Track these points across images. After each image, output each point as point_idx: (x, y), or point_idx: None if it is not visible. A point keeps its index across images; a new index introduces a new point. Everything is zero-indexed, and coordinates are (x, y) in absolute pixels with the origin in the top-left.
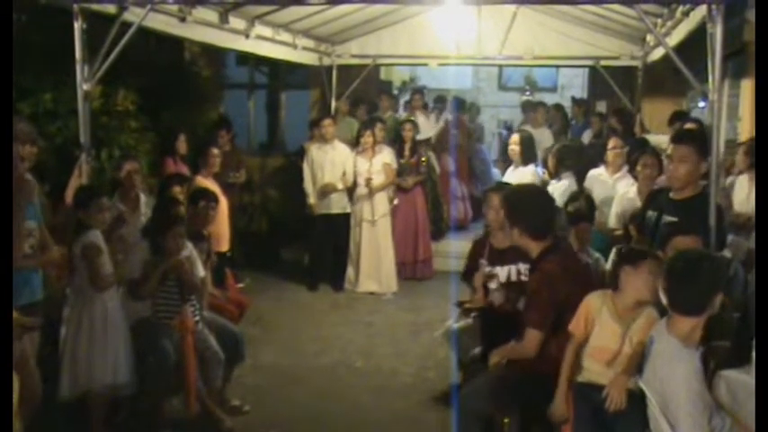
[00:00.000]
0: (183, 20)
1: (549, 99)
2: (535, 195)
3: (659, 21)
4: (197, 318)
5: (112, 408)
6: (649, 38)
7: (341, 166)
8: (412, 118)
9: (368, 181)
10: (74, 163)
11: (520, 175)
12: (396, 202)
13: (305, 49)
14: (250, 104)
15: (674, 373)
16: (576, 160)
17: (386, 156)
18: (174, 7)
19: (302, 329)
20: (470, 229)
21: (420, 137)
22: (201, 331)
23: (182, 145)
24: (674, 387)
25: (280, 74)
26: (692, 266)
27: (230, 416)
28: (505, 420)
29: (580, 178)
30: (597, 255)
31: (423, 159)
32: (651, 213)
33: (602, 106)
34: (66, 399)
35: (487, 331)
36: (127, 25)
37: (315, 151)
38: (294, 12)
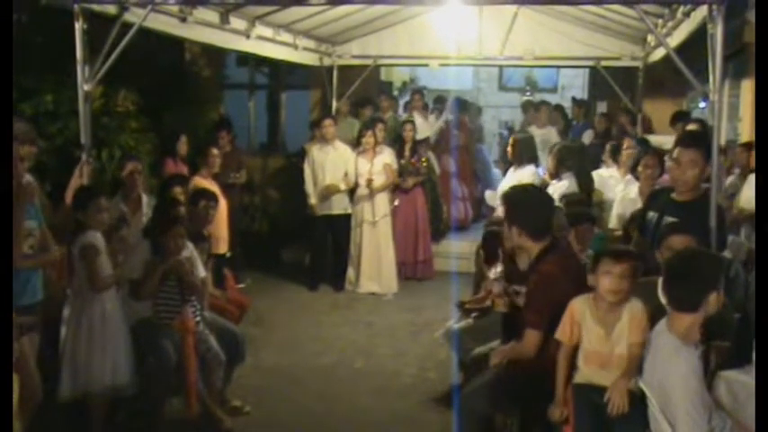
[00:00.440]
0: (183, 20)
1: (550, 99)
2: (534, 195)
3: (660, 21)
4: (198, 318)
5: (113, 408)
6: (650, 38)
7: (342, 166)
8: (412, 118)
9: (369, 182)
10: (74, 163)
11: (519, 176)
12: (396, 203)
13: (305, 49)
14: (250, 105)
15: (673, 370)
16: (577, 161)
17: (386, 156)
18: (175, 8)
19: (303, 330)
20: (471, 229)
21: (418, 137)
22: (202, 332)
23: (182, 146)
24: (673, 385)
25: (280, 74)
26: (684, 264)
27: (231, 416)
28: (506, 421)
29: (580, 179)
30: None
31: (423, 160)
32: (652, 214)
33: (602, 107)
34: (65, 399)
35: (508, 332)
36: (127, 26)
37: (316, 152)
38: (295, 12)
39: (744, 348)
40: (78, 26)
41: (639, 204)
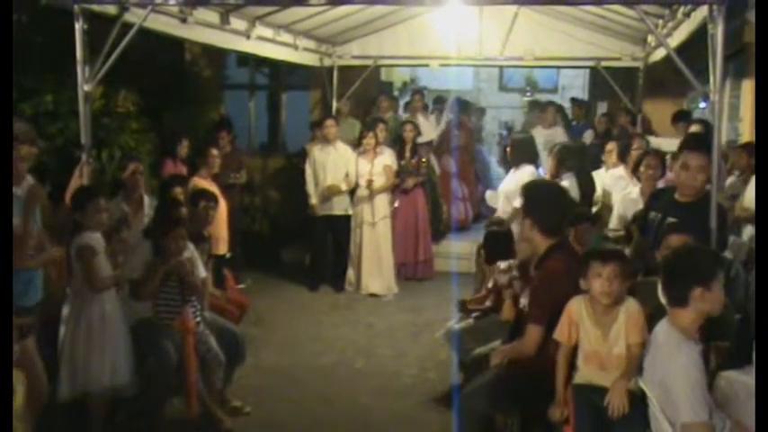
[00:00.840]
0: (183, 21)
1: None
2: (553, 192)
3: (660, 22)
4: (198, 318)
5: (113, 408)
6: (650, 39)
7: (343, 167)
8: (413, 119)
9: (369, 182)
10: (74, 164)
11: (518, 177)
12: (396, 204)
13: (306, 49)
14: (251, 105)
15: (674, 362)
16: (577, 161)
17: (387, 158)
18: (175, 8)
19: (303, 330)
20: (471, 229)
21: (422, 139)
22: (202, 332)
23: (183, 149)
24: (675, 378)
25: (280, 75)
26: (677, 259)
27: (231, 417)
28: (507, 421)
29: (581, 179)
30: None
31: (423, 160)
32: (654, 215)
33: (602, 107)
34: (64, 399)
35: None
36: (128, 26)
37: (317, 152)
38: (295, 13)
39: (744, 348)
40: (78, 26)
41: (641, 205)
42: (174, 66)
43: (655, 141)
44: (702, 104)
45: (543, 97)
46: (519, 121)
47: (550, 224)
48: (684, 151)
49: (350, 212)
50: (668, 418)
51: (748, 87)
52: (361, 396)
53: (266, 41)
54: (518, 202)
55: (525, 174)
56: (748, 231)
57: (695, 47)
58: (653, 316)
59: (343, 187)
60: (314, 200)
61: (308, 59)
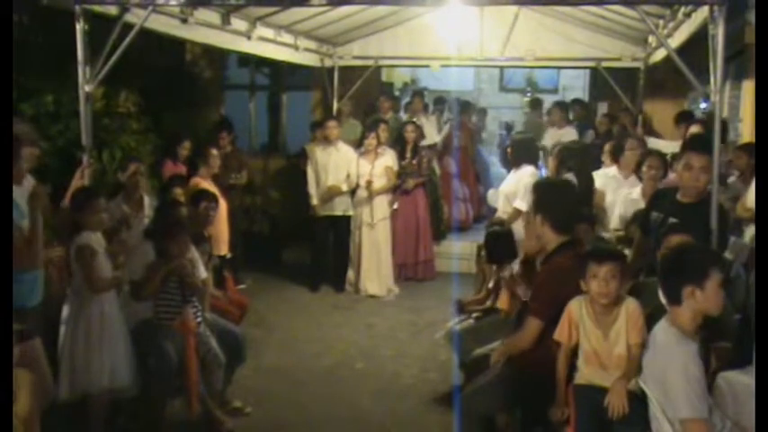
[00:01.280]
0: (184, 21)
1: (550, 100)
2: (565, 189)
3: (661, 22)
4: (199, 319)
5: (113, 410)
6: (651, 39)
7: (345, 167)
8: (414, 119)
9: (368, 184)
10: (75, 164)
11: (518, 177)
12: (396, 206)
13: (306, 50)
14: (251, 106)
15: (672, 359)
16: (578, 161)
17: (388, 159)
18: (176, 9)
19: (303, 331)
20: (472, 230)
21: (425, 142)
22: (203, 333)
23: (184, 150)
24: (674, 374)
25: (281, 75)
26: (666, 258)
27: (232, 417)
28: (507, 422)
29: (581, 179)
30: None
31: (425, 160)
32: (656, 215)
33: (603, 108)
34: (63, 400)
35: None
36: (128, 27)
37: (319, 153)
38: (296, 13)
39: (744, 349)
40: (79, 27)
41: (642, 205)
42: (175, 66)
43: (652, 142)
44: (703, 105)
45: (543, 98)
46: (519, 122)
47: (561, 221)
48: (687, 152)
49: (350, 213)
50: (668, 417)
51: (749, 88)
52: (362, 397)
53: (267, 42)
54: (518, 203)
55: (526, 174)
56: (750, 232)
57: (696, 47)
58: (654, 316)
59: (344, 188)
60: (315, 200)
61: (309, 60)
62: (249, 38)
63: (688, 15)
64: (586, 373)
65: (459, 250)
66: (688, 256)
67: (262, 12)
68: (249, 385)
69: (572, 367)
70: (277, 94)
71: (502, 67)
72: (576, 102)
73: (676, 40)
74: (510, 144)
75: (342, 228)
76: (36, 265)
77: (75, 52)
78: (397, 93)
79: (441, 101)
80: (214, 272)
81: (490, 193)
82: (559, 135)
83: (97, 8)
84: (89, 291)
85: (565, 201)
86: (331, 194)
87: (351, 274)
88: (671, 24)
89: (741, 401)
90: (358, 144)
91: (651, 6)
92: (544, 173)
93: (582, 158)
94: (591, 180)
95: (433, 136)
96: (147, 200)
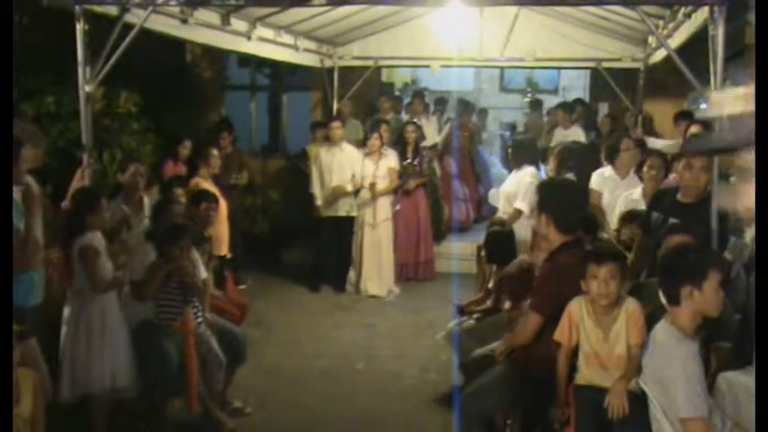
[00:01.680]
0: (184, 22)
1: (550, 101)
2: (570, 189)
3: (661, 23)
4: (199, 319)
5: (114, 410)
6: (651, 40)
7: (349, 168)
8: (415, 120)
9: (371, 185)
10: (76, 165)
11: (519, 178)
12: (398, 207)
13: (306, 50)
14: (251, 106)
15: (672, 358)
16: (578, 161)
17: (391, 160)
18: (176, 9)
19: (304, 331)
20: (472, 230)
21: (426, 143)
22: (203, 333)
23: (185, 150)
24: (674, 372)
25: (281, 76)
26: (665, 258)
27: (232, 418)
28: (507, 422)
29: (581, 179)
30: None
31: (427, 161)
32: (657, 215)
33: (604, 108)
34: (65, 400)
35: None
36: (128, 27)
37: (323, 153)
38: (296, 13)
39: (744, 349)
40: (79, 27)
41: (642, 205)
42: (175, 67)
43: (652, 142)
44: (703, 105)
45: (544, 98)
46: (520, 122)
47: (565, 221)
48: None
49: (353, 214)
50: (669, 418)
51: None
52: (362, 397)
53: (267, 42)
54: (519, 204)
55: (526, 175)
56: (750, 232)
57: (696, 48)
58: (654, 316)
59: (349, 188)
60: (320, 201)
61: (309, 60)
62: (249, 38)
63: (688, 16)
64: (587, 374)
65: (460, 251)
66: (687, 257)
67: (262, 12)
68: (249, 385)
69: (572, 368)
70: (277, 94)
71: (502, 68)
72: (579, 102)
73: (676, 40)
74: (511, 145)
75: (344, 229)
76: (32, 265)
77: (76, 53)
78: (397, 93)
79: (442, 101)
80: (214, 272)
81: (491, 192)
82: (565, 136)
83: (97, 8)
84: (92, 291)
85: (569, 200)
86: (336, 195)
87: (352, 274)
88: (671, 25)
89: (741, 402)
90: (359, 144)
91: (651, 7)
92: (544, 174)
93: (582, 159)
94: (591, 180)
95: (433, 136)
96: (146, 200)
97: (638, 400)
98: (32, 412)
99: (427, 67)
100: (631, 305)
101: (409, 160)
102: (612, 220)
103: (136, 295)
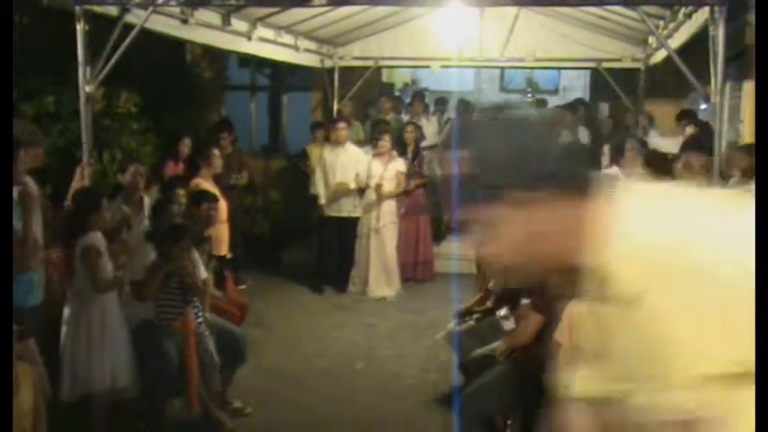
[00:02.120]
0: (185, 22)
1: (551, 101)
2: None
3: (661, 23)
4: (199, 320)
5: (114, 410)
6: (651, 40)
7: (353, 168)
8: (414, 120)
9: (378, 186)
10: (76, 165)
11: None
12: (403, 210)
13: (307, 51)
14: (252, 106)
15: None
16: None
17: (400, 164)
18: (177, 9)
19: (304, 331)
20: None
21: (426, 143)
22: (202, 333)
23: (184, 148)
24: None
25: (281, 76)
26: None
27: (232, 418)
28: (508, 422)
29: None
30: None
31: (425, 161)
32: None
33: (604, 108)
34: (66, 401)
35: None
36: (129, 27)
37: (327, 153)
38: (296, 14)
39: None
40: (80, 28)
41: None
42: (176, 67)
43: (653, 135)
44: (703, 105)
45: (544, 99)
46: None
47: None
48: (687, 152)
49: (356, 214)
50: None
51: (749, 89)
52: (362, 397)
53: (267, 42)
54: None
55: None
56: None
57: (696, 48)
58: None
59: (352, 185)
60: (323, 200)
61: (309, 61)
62: (249, 38)
63: (688, 16)
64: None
65: (460, 251)
66: None
67: (262, 12)
68: (249, 385)
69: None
70: (277, 94)
71: (502, 68)
72: (580, 102)
73: (677, 40)
74: None
75: (347, 229)
76: (32, 265)
77: (76, 53)
78: (397, 93)
79: (442, 101)
80: (214, 272)
81: None
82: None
83: (97, 9)
84: (94, 291)
85: None
86: (338, 192)
87: (355, 275)
88: (671, 25)
89: None
90: (359, 145)
91: (651, 7)
92: None
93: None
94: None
95: (433, 137)
96: (146, 201)
97: None
98: (33, 406)
99: (427, 67)
100: None
101: (409, 161)
102: None
103: (136, 295)
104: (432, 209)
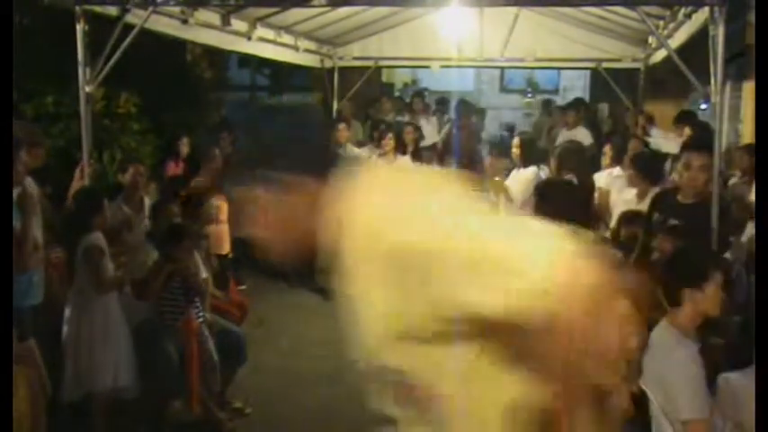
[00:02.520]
0: (185, 22)
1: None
2: (568, 190)
3: (661, 23)
4: (201, 320)
5: (115, 410)
6: (651, 40)
7: None
8: (414, 121)
9: None
10: (76, 165)
11: (521, 177)
12: None
13: (306, 51)
14: (252, 106)
15: (672, 359)
16: (578, 161)
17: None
18: (177, 9)
19: (304, 331)
20: None
21: (425, 143)
22: (202, 333)
23: (184, 147)
24: (674, 374)
25: (281, 76)
26: (665, 260)
27: (232, 418)
28: None
29: (581, 179)
30: None
31: (425, 161)
32: (658, 216)
33: (604, 108)
34: (68, 401)
35: None
36: (129, 28)
37: None
38: (296, 14)
39: (744, 350)
40: (80, 28)
41: (634, 205)
42: (176, 67)
43: (655, 134)
44: (703, 106)
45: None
46: (520, 123)
47: (564, 221)
48: (686, 151)
49: None
50: (669, 419)
51: (749, 89)
52: (363, 397)
53: (267, 43)
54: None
55: (529, 174)
56: (748, 232)
57: (696, 48)
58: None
59: None
60: None
61: (309, 61)
62: (249, 39)
63: (688, 16)
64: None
65: None
66: (687, 259)
67: (262, 12)
68: (249, 385)
69: None
70: (277, 94)
71: (502, 68)
72: (580, 102)
73: (676, 40)
74: (519, 144)
75: None
76: (31, 266)
77: (76, 53)
78: (397, 93)
79: (443, 101)
80: (216, 272)
81: None
82: (572, 136)
83: (98, 9)
84: (96, 291)
85: (567, 201)
86: None
87: None
88: (671, 25)
89: (741, 402)
90: (359, 145)
91: (651, 7)
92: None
93: (582, 159)
94: (591, 180)
95: (433, 136)
96: (147, 201)
97: (639, 401)
98: (30, 408)
99: (427, 67)
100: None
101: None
102: (614, 221)
103: (138, 295)
104: None
